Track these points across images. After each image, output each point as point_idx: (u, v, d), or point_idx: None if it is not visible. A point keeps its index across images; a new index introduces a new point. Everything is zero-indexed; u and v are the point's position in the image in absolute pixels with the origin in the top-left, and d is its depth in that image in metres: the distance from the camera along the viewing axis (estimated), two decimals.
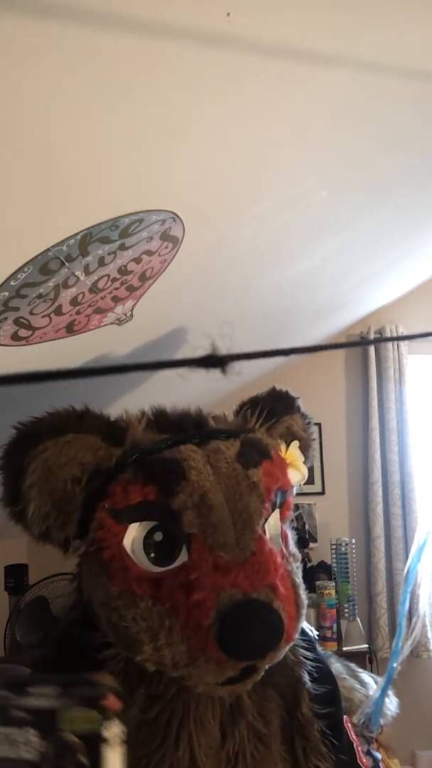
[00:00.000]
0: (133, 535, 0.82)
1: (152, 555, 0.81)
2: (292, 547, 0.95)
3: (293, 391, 1.16)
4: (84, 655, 0.85)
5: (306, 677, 0.94)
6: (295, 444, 1.03)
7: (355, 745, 0.92)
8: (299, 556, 0.96)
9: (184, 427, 0.93)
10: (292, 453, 1.01)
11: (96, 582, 0.85)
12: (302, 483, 1.04)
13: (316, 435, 3.13)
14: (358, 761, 0.91)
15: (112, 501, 0.82)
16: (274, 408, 1.06)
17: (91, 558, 0.86)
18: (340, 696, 1.03)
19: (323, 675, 0.98)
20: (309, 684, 0.93)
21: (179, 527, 0.80)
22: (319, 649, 1.04)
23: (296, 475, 0.99)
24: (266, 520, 0.88)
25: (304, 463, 1.05)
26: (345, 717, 0.98)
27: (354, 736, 0.95)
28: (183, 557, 0.80)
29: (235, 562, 0.79)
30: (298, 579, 0.89)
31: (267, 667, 0.81)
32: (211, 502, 0.81)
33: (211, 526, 0.80)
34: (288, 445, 1.02)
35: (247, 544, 0.81)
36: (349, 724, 0.96)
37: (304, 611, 0.88)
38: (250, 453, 0.89)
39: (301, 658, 0.95)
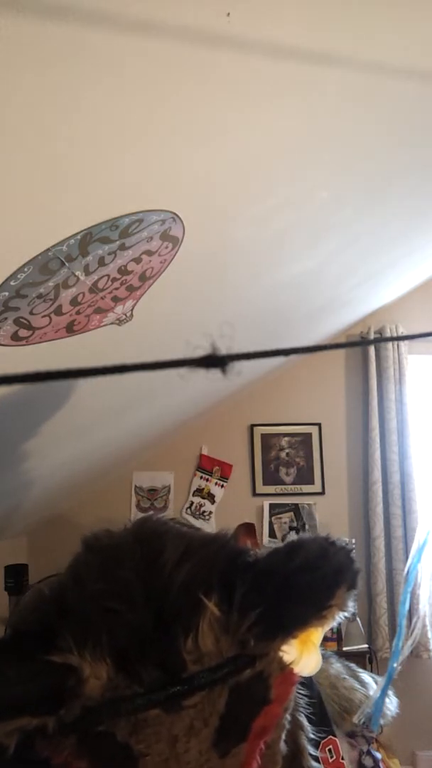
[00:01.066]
0: None
1: None
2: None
3: (350, 552, 0.80)
4: None
5: (305, 722, 0.89)
6: (324, 628, 0.79)
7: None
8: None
9: (150, 665, 0.72)
10: (316, 635, 0.78)
11: None
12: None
13: (314, 439, 3.13)
14: None
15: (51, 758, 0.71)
16: (319, 591, 0.76)
17: None
18: (333, 727, 0.99)
19: (320, 717, 0.94)
20: (308, 728, 0.88)
21: None
22: (315, 686, 0.96)
23: (310, 665, 0.78)
24: None
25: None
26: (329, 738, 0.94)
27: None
28: None
29: None
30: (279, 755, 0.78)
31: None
32: None
33: None
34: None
35: None
36: (327, 747, 0.92)
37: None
38: (239, 711, 0.72)
39: (301, 708, 0.88)
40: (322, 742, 0.91)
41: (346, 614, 0.76)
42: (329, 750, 0.90)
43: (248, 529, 2.72)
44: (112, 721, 0.69)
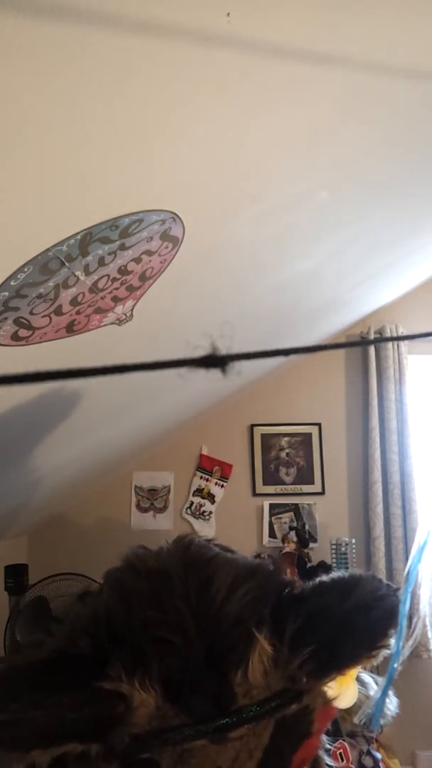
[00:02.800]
0: None
1: None
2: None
3: (397, 592, 0.82)
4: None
5: (325, 757, 0.88)
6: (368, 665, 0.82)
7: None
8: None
9: (201, 697, 0.72)
10: (356, 670, 0.79)
11: None
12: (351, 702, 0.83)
13: (314, 439, 3.13)
14: None
15: None
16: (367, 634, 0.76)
17: None
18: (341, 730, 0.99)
19: (334, 724, 0.94)
20: (325, 739, 0.87)
21: None
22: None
23: (348, 697, 0.79)
24: None
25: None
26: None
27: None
28: None
29: None
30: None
31: None
32: None
33: None
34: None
35: None
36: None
37: None
38: (283, 743, 0.72)
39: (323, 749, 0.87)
40: (334, 747, 0.91)
41: (388, 651, 0.77)
42: (340, 755, 0.90)
43: (290, 558, 2.72)
44: (158, 750, 0.69)
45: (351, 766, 0.89)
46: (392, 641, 0.77)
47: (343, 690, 0.76)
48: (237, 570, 0.83)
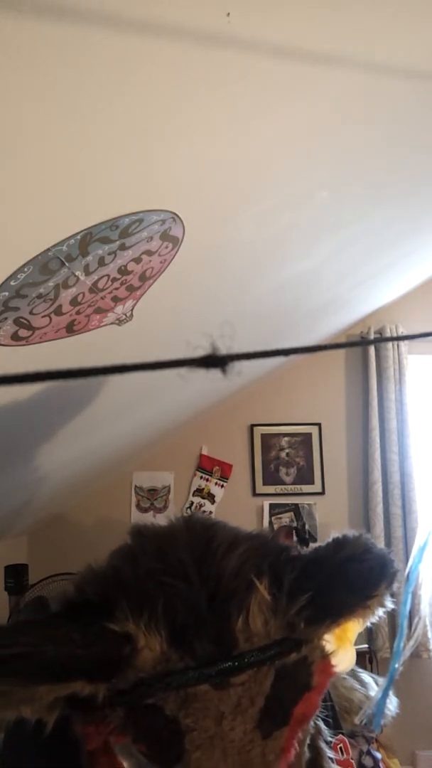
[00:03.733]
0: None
1: None
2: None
3: (391, 553, 0.88)
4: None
5: (323, 725, 0.91)
6: (362, 621, 0.83)
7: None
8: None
9: (204, 640, 0.74)
10: (352, 630, 0.82)
11: None
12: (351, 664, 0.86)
13: (314, 439, 3.13)
14: None
15: (90, 742, 0.73)
16: (360, 587, 0.81)
17: None
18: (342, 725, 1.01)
19: (334, 717, 0.96)
20: (326, 731, 0.91)
21: None
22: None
23: (346, 659, 0.82)
24: None
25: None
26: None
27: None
28: None
29: None
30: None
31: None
32: None
33: None
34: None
35: None
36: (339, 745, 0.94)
37: None
38: (284, 692, 0.74)
39: (318, 713, 0.87)
40: (334, 741, 0.92)
41: (385, 609, 0.82)
42: (340, 749, 0.92)
43: (288, 531, 2.73)
44: (162, 695, 0.71)
45: (351, 760, 0.90)
46: (387, 597, 0.82)
47: (342, 650, 0.79)
48: (237, 532, 0.89)
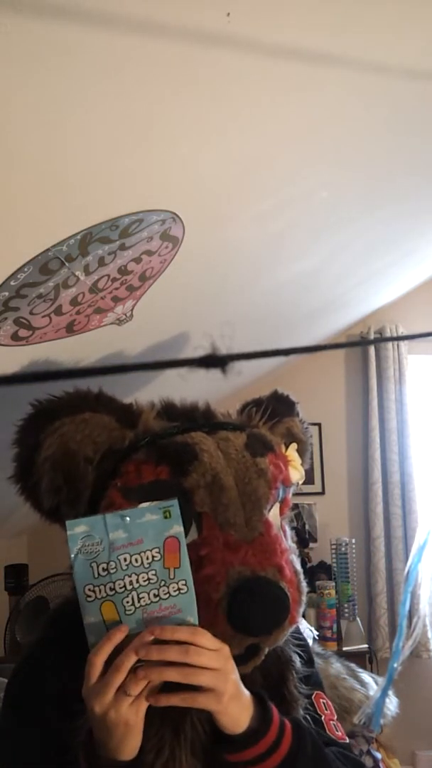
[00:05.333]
0: None
1: None
2: (290, 542, 0.96)
3: (294, 396, 1.19)
4: (80, 630, 0.85)
5: (297, 659, 0.95)
6: (294, 446, 1.05)
7: (324, 718, 0.93)
8: (296, 550, 0.97)
9: (193, 418, 0.95)
10: (291, 454, 1.03)
11: None
12: (300, 483, 1.07)
13: (314, 439, 3.13)
14: (329, 733, 0.93)
15: (124, 480, 0.83)
16: (276, 409, 1.08)
17: None
18: (321, 679, 1.04)
19: (308, 659, 1.00)
20: (299, 665, 0.95)
21: (190, 506, 0.82)
22: (303, 634, 1.05)
23: (295, 474, 1.02)
24: (271, 507, 0.90)
25: (302, 465, 1.07)
26: (316, 693, 0.98)
27: (323, 710, 0.95)
28: (193, 535, 0.82)
29: (243, 541, 0.82)
30: (299, 567, 0.91)
31: (267, 650, 0.83)
32: (223, 483, 0.83)
33: (222, 505, 0.82)
34: (287, 447, 1.04)
35: (255, 525, 0.84)
36: (321, 700, 0.96)
37: (305, 598, 0.91)
38: (256, 444, 0.91)
39: (291, 645, 0.96)
40: (315, 694, 0.95)
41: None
42: (324, 704, 0.95)
43: None
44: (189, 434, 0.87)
45: (334, 717, 0.94)
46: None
47: (288, 455, 1.00)
48: None
